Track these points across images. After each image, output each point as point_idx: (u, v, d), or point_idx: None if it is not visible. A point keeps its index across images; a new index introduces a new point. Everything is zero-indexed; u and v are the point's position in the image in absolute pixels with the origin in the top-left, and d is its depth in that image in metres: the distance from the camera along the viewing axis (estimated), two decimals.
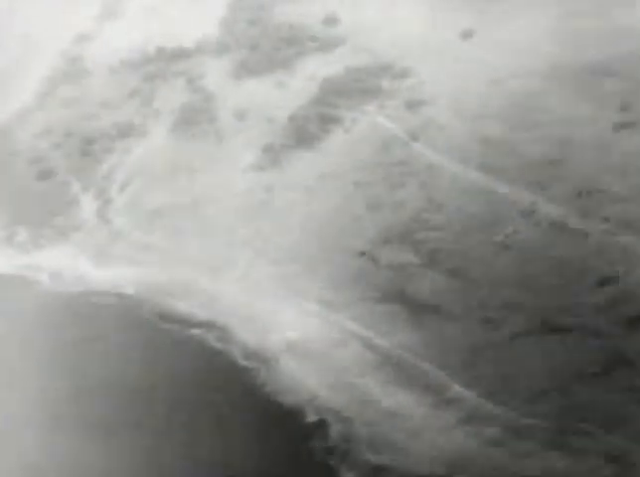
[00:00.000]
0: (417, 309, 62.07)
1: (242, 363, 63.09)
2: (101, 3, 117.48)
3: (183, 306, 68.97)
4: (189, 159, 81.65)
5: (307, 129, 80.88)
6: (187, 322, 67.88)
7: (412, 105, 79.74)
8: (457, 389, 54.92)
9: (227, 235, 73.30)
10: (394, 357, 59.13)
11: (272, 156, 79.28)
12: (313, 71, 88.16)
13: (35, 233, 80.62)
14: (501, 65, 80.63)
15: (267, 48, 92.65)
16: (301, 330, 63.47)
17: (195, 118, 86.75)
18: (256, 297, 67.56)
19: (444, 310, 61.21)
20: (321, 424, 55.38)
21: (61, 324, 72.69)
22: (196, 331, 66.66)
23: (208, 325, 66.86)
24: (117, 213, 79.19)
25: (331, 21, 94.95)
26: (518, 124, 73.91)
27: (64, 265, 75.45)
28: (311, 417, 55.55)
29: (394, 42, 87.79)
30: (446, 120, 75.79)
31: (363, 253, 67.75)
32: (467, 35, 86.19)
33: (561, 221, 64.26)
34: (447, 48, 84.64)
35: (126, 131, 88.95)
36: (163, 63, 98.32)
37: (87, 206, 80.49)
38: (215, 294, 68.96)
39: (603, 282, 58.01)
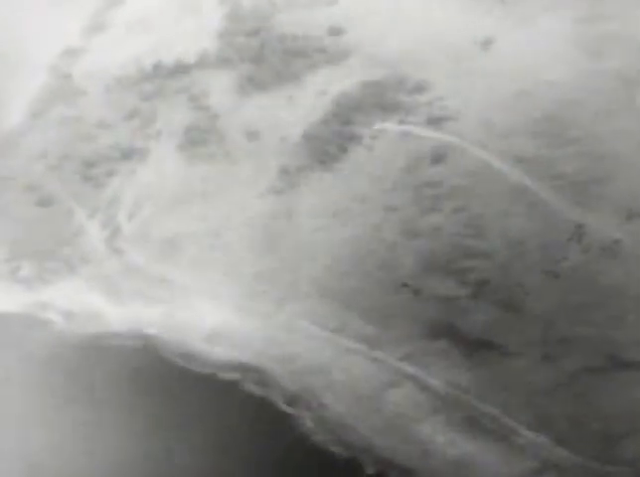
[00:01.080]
0: (470, 345, 58.66)
1: (286, 409, 60.22)
2: (87, 15, 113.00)
3: (213, 347, 64.94)
4: (200, 183, 77.60)
5: (325, 148, 77.15)
6: (220, 365, 63.96)
7: (436, 121, 76.20)
8: (526, 433, 51.97)
9: (251, 266, 69.48)
10: (451, 398, 55.65)
11: (290, 178, 75.53)
12: (324, 85, 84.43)
13: (40, 266, 76.09)
14: (526, 74, 77.30)
15: (273, 61, 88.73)
16: (346, 371, 59.90)
17: (202, 139, 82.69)
18: (292, 335, 63.79)
19: (499, 345, 57.89)
20: None
21: (78, 368, 68.38)
22: (231, 375, 62.68)
23: (243, 368, 62.89)
24: (129, 243, 74.93)
25: (336, 31, 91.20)
26: (553, 140, 70.65)
27: (76, 302, 71.09)
28: (369, 470, 52.67)
29: (406, 52, 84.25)
30: (475, 137, 72.36)
31: (404, 285, 64.17)
32: (486, 43, 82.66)
33: (613, 245, 62.05)
34: (466, 57, 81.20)
35: (128, 153, 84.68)
36: (161, 79, 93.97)
37: (95, 235, 76.08)
38: (246, 333, 65.03)
39: None
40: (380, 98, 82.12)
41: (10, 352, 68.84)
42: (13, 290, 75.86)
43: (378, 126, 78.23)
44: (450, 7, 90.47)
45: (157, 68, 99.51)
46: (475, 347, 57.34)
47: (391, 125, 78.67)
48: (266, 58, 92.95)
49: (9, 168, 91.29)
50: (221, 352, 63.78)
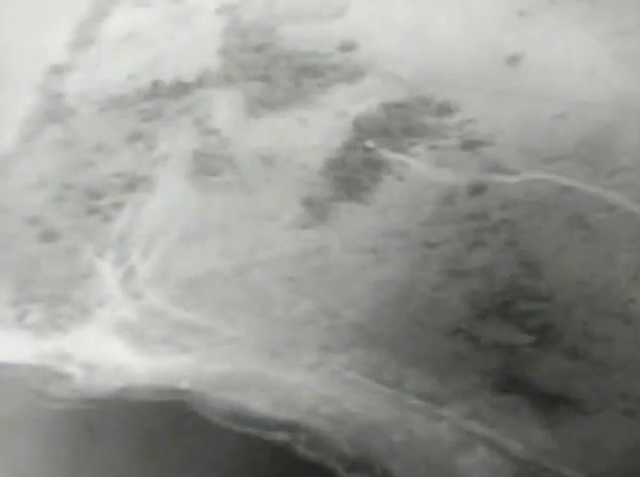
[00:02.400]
0: (542, 400, 54.21)
1: None
2: (72, 28, 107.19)
3: (253, 403, 59.69)
4: (216, 215, 72.41)
5: (352, 177, 72.60)
6: (264, 424, 58.71)
7: (469, 146, 71.76)
8: None
9: (284, 310, 64.46)
10: (531, 463, 51.08)
11: (316, 210, 70.78)
12: (342, 106, 79.62)
13: (50, 311, 70.21)
14: (560, 95, 73.01)
15: (282, 79, 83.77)
16: (408, 431, 55.20)
17: (213, 166, 77.61)
18: (340, 390, 58.94)
19: (575, 401, 53.51)
20: None
21: (101, 427, 62.83)
22: (279, 435, 57.41)
23: (291, 427, 57.65)
24: (146, 284, 69.37)
25: (349, 46, 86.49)
26: (599, 168, 66.52)
27: (95, 352, 65.41)
28: None
29: (427, 70, 79.72)
30: (514, 163, 67.97)
31: (458, 331, 59.63)
32: (513, 59, 78.17)
33: None
34: (492, 76, 76.79)
35: (134, 182, 79.39)
36: (161, 99, 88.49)
37: (108, 276, 70.43)
38: (288, 387, 59.93)
39: None
40: (406, 122, 77.30)
41: (23, 410, 63.16)
42: (22, 338, 69.83)
43: (407, 153, 73.68)
44: (471, 20, 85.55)
45: (156, 86, 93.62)
46: (548, 402, 52.91)
47: (420, 150, 74.02)
48: (275, 76, 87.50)
49: (4, 199, 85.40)
50: (263, 408, 58.62)
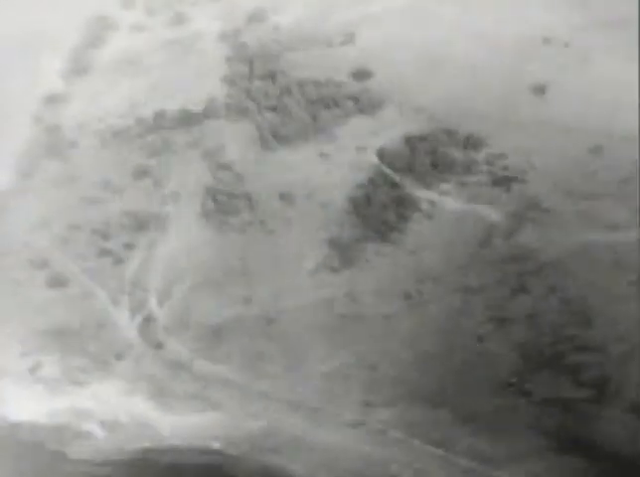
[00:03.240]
0: (606, 461, 51.80)
1: None
2: (66, 55, 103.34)
3: (291, 466, 56.77)
4: (237, 258, 69.34)
5: (379, 216, 69.70)
6: None
7: (501, 183, 69.12)
8: None
9: (318, 362, 61.41)
10: None
11: (343, 252, 67.76)
12: (362, 139, 76.80)
13: (66, 363, 66.80)
14: (592, 127, 70.63)
15: (296, 110, 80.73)
16: None
17: (229, 203, 74.43)
18: (390, 451, 56.11)
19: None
20: None
21: None
22: None
23: None
24: (167, 333, 66.25)
25: (363, 74, 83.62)
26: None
27: (117, 409, 61.98)
28: None
29: (448, 100, 77.06)
30: (551, 201, 65.53)
31: (509, 385, 57.07)
32: (539, 89, 75.71)
33: None
34: (518, 106, 74.26)
35: (144, 221, 76.03)
36: (166, 131, 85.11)
37: (126, 324, 67.14)
38: (327, 448, 56.96)
39: None
40: (432, 156, 74.79)
41: (42, 474, 59.78)
42: (35, 393, 66.56)
43: (436, 190, 71.02)
44: (492, 47, 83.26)
45: (159, 117, 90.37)
46: (612, 464, 50.67)
47: (449, 187, 71.42)
48: (288, 107, 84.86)
49: (8, 240, 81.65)
50: (301, 472, 55.90)
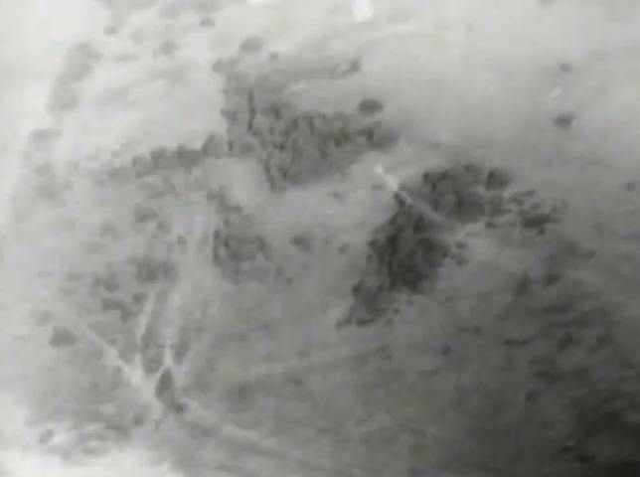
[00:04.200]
0: None
1: None
2: (51, 87, 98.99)
3: None
4: (256, 310, 65.69)
5: (405, 263, 66.42)
6: None
7: (533, 223, 66.03)
8: None
9: (355, 425, 57.89)
10: None
11: (370, 303, 64.31)
12: (377, 177, 73.50)
13: (79, 430, 62.50)
14: (623, 162, 67.68)
15: (305, 146, 77.18)
16: None
17: (241, 250, 70.77)
18: None
19: None
20: None
21: None
22: None
23: None
24: (187, 394, 62.44)
25: (372, 106, 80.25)
26: None
27: None
28: None
29: (466, 133, 73.85)
30: (589, 243, 62.55)
31: (566, 449, 53.89)
32: (562, 120, 72.74)
33: None
34: (542, 139, 71.16)
35: (152, 270, 72.15)
36: (165, 171, 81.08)
37: (141, 384, 63.09)
38: None
39: None
40: (456, 195, 71.57)
41: None
42: (48, 465, 62.51)
43: (464, 232, 67.93)
44: (508, 74, 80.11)
45: (157, 156, 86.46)
46: None
47: (479, 229, 68.33)
48: (296, 143, 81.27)
49: (2, 289, 77.61)
50: None
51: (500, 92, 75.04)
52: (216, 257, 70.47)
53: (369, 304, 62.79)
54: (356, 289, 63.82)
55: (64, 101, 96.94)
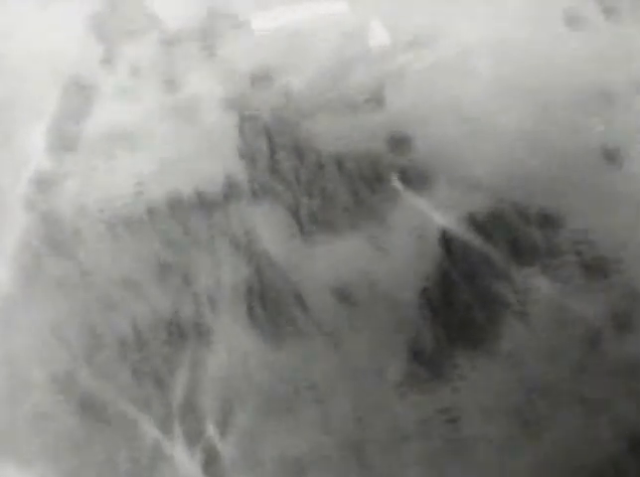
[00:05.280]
0: None
1: None
2: (48, 126, 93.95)
3: None
4: (303, 374, 61.17)
5: (462, 317, 62.31)
6: None
7: (595, 269, 62.06)
8: None
9: None
10: None
11: (429, 364, 60.05)
12: (417, 222, 69.22)
13: None
14: None
15: (336, 190, 72.93)
16: None
17: (278, 306, 66.34)
18: None
19: None
20: None
21: None
22: None
23: None
24: (236, 470, 57.50)
25: (401, 143, 75.99)
26: None
27: None
28: None
29: (506, 170, 69.80)
30: None
31: None
32: (612, 155, 68.90)
33: None
34: (592, 176, 67.08)
35: (181, 330, 67.55)
36: (184, 218, 76.69)
37: (184, 461, 58.21)
38: None
39: None
40: (507, 240, 67.64)
41: None
42: None
43: (521, 280, 63.90)
44: (546, 104, 76.00)
45: (173, 202, 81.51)
46: None
47: (538, 278, 64.21)
48: (325, 186, 76.69)
49: (16, 356, 72.21)
50: None
51: (537, 126, 71.20)
52: (251, 316, 65.94)
53: (427, 365, 58.57)
54: (411, 348, 59.66)
55: (64, 143, 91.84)
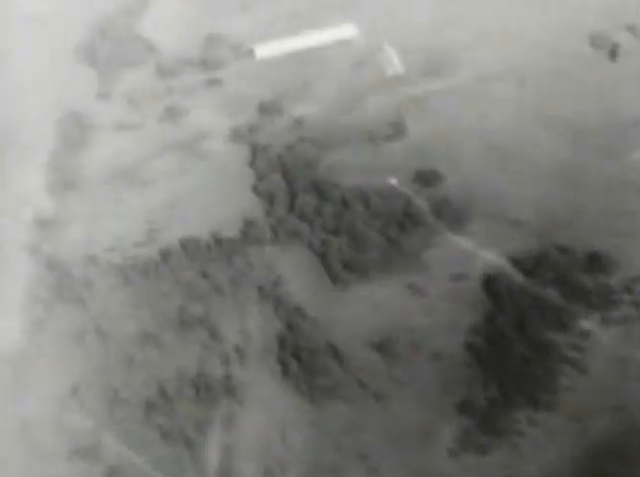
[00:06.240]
0: None
1: None
2: (46, 163, 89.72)
3: None
4: (347, 435, 57.89)
5: (516, 371, 59.00)
6: None
7: None
8: None
9: None
10: None
11: (485, 423, 56.77)
12: (457, 264, 65.89)
13: None
14: None
15: (364, 230, 69.25)
16: None
17: (311, 360, 62.80)
18: None
19: None
20: None
21: None
22: None
23: None
24: None
25: (429, 178, 72.66)
26: None
27: None
28: None
29: (548, 207, 66.76)
30: None
31: None
32: None
33: None
34: (635, 212, 64.59)
35: (211, 388, 63.85)
36: (204, 264, 72.73)
37: None
38: None
39: None
40: (557, 285, 64.67)
41: None
42: None
43: (576, 330, 60.90)
44: (568, 135, 73.22)
45: (190, 246, 77.72)
46: None
47: (594, 327, 61.29)
48: (352, 226, 73.38)
49: (31, 416, 68.30)
50: None
51: (572, 156, 68.33)
52: (284, 371, 62.68)
53: (484, 425, 55.44)
54: (463, 407, 56.48)
55: (64, 180, 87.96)
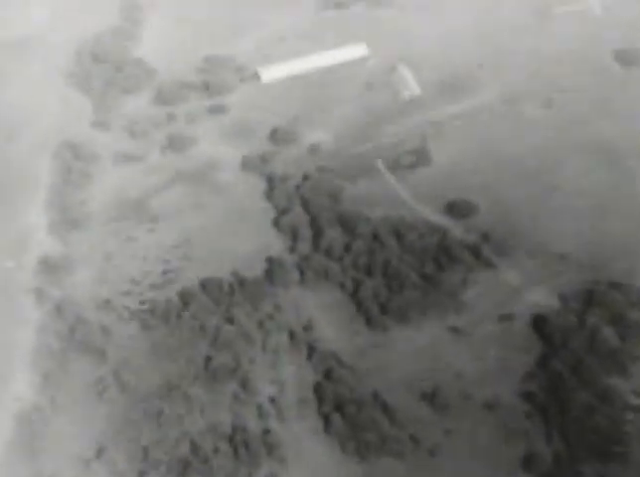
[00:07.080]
0: None
1: None
2: (47, 200, 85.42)
3: None
4: None
5: (581, 423, 55.82)
6: None
7: None
8: None
9: None
10: None
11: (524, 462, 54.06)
12: (501, 303, 62.63)
13: None
14: None
15: (400, 269, 65.87)
16: None
17: (355, 412, 59.34)
18: None
19: None
20: None
21: None
22: None
23: None
24: None
25: (461, 209, 69.35)
26: None
27: None
28: None
29: (595, 239, 63.76)
30: None
31: None
32: None
33: None
34: None
35: (249, 445, 60.26)
36: (228, 308, 68.91)
37: None
38: None
39: None
40: (613, 325, 61.66)
41: None
42: None
43: (637, 375, 58.02)
44: (610, 159, 70.32)
45: (211, 289, 74.00)
46: None
47: (623, 385, 58.41)
48: (386, 264, 70.04)
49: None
50: None
51: (613, 181, 65.45)
52: (327, 425, 59.30)
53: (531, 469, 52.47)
54: (526, 462, 53.40)
55: (67, 218, 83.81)
